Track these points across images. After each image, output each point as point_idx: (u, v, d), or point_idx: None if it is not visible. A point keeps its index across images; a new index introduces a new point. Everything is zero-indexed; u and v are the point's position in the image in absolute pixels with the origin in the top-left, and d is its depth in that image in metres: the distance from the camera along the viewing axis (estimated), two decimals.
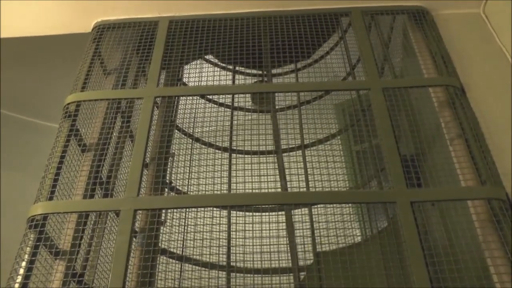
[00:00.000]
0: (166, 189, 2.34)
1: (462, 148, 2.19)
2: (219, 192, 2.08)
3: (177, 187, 2.12)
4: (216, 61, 2.82)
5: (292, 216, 2.00)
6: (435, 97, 2.42)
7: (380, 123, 2.17)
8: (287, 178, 2.10)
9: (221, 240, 1.99)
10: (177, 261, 2.12)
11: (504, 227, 1.87)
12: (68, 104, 2.40)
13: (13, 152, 3.87)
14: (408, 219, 1.86)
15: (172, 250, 2.13)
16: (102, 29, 2.79)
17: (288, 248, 1.95)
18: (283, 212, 2.02)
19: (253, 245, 1.80)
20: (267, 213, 2.02)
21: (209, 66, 2.74)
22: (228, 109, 2.55)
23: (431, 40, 2.70)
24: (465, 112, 2.29)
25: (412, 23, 2.81)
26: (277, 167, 2.15)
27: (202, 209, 2.03)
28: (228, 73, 2.75)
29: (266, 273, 1.79)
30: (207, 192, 2.10)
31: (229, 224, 2.19)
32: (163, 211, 2.15)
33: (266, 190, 2.01)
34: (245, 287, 1.79)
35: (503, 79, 2.47)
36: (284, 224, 2.04)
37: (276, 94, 2.48)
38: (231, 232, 2.18)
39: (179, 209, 2.05)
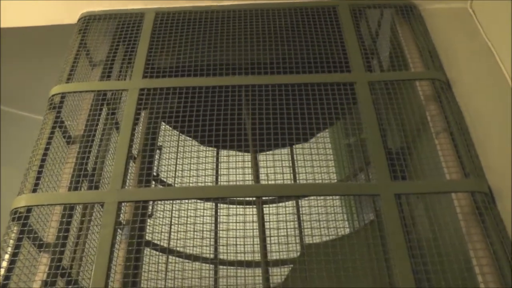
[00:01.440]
0: (154, 182, 2.34)
1: (447, 142, 2.20)
2: (203, 184, 2.07)
3: (163, 179, 2.11)
4: None
5: (277, 209, 2.00)
6: (421, 91, 2.44)
7: (366, 117, 2.18)
8: (272, 170, 2.10)
9: (206, 232, 1.99)
10: (161, 253, 2.12)
11: (486, 219, 1.88)
12: (53, 95, 2.39)
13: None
14: (391, 212, 1.87)
15: (157, 242, 2.13)
16: (88, 21, 2.77)
17: (273, 240, 1.95)
18: (268, 205, 2.02)
19: (235, 237, 1.80)
20: (251, 206, 2.01)
21: None
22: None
23: (418, 34, 2.71)
24: (450, 106, 2.31)
25: (399, 17, 2.82)
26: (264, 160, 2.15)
27: (187, 201, 2.03)
28: None
29: (249, 266, 1.80)
30: (191, 185, 2.09)
31: (216, 216, 2.19)
32: (150, 203, 2.14)
33: (250, 183, 2.01)
34: (229, 278, 1.80)
35: (488, 74, 2.48)
36: (270, 216, 2.04)
37: None
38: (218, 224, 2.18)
39: (164, 201, 2.03)
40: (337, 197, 2.25)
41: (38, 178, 2.07)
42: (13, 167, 3.60)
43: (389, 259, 1.83)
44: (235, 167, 2.01)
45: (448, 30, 2.72)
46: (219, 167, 2.18)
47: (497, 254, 1.79)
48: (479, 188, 1.96)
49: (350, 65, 2.43)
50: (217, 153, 2.30)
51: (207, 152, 2.20)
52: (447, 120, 2.26)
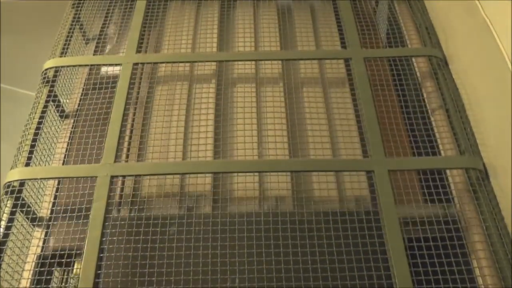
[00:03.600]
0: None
1: (442, 119, 2.20)
2: (198, 159, 2.06)
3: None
4: None
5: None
6: (417, 68, 2.42)
7: (361, 93, 2.17)
8: (266, 146, 2.09)
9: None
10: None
11: (480, 196, 1.89)
12: (47, 69, 2.36)
13: None
14: (385, 188, 1.87)
15: None
16: None
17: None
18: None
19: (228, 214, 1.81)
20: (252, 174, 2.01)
21: None
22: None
23: (416, 11, 2.68)
24: (447, 83, 2.30)
25: None
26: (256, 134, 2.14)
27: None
28: None
29: None
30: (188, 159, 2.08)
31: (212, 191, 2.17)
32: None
33: (244, 158, 2.00)
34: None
35: (486, 51, 2.45)
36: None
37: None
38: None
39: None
40: None
41: (31, 152, 2.07)
42: (8, 144, 3.60)
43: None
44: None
45: (446, 6, 2.68)
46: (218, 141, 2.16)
47: (489, 230, 1.79)
48: (474, 165, 1.96)
49: (345, 41, 2.42)
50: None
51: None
52: (443, 97, 2.25)
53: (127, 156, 2.11)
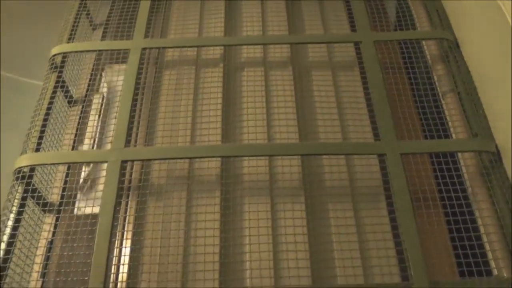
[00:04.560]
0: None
1: (454, 101, 2.17)
2: (208, 144, 2.05)
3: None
4: None
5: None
6: (428, 51, 2.40)
7: (371, 76, 2.14)
8: (277, 129, 2.08)
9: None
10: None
11: (493, 179, 1.87)
12: (54, 55, 2.35)
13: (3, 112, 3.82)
14: (397, 171, 1.85)
15: None
16: None
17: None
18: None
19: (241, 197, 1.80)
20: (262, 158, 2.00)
21: None
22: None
23: None
24: (458, 66, 2.27)
25: None
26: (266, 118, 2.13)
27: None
28: None
29: None
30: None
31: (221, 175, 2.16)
32: None
33: (255, 141, 1.99)
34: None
35: (498, 33, 2.42)
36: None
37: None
38: None
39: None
40: None
41: (40, 138, 2.06)
42: (10, 133, 3.59)
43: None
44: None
45: None
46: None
47: (503, 213, 1.78)
48: (487, 147, 1.93)
49: (355, 24, 2.39)
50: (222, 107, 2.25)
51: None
52: (454, 80, 2.22)
53: (135, 141, 2.10)
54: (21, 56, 4.10)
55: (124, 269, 1.76)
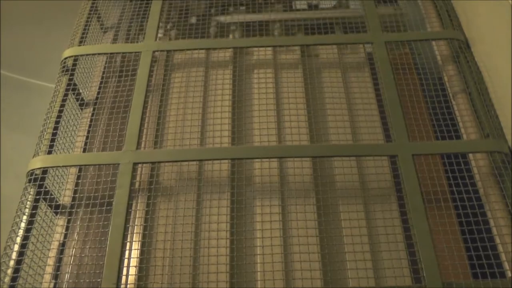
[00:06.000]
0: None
1: (465, 102, 2.16)
2: (220, 146, 2.06)
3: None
4: None
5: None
6: (438, 51, 2.39)
7: (383, 77, 2.14)
8: (288, 131, 2.08)
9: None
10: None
11: (506, 180, 1.86)
12: (66, 58, 2.36)
13: (11, 112, 3.84)
14: (409, 172, 1.84)
15: None
16: None
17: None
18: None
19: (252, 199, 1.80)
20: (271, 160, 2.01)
21: None
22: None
23: None
24: (469, 66, 2.26)
25: None
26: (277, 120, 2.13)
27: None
28: None
29: None
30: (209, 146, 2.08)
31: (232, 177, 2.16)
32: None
33: (267, 144, 2.00)
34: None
35: (509, 33, 2.41)
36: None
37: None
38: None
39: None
40: None
41: (52, 140, 2.07)
42: (14, 133, 3.61)
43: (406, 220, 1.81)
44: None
45: None
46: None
47: None
48: (500, 148, 1.92)
49: (366, 25, 2.38)
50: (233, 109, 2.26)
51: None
52: (465, 80, 2.21)
53: (145, 144, 2.11)
54: (21, 56, 4.11)
55: (136, 270, 1.77)
